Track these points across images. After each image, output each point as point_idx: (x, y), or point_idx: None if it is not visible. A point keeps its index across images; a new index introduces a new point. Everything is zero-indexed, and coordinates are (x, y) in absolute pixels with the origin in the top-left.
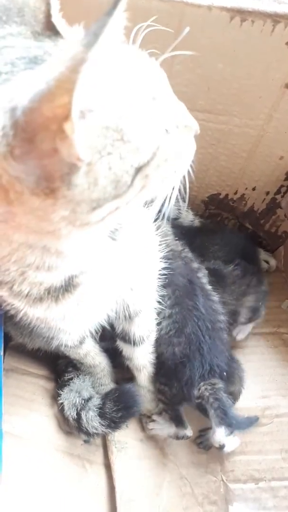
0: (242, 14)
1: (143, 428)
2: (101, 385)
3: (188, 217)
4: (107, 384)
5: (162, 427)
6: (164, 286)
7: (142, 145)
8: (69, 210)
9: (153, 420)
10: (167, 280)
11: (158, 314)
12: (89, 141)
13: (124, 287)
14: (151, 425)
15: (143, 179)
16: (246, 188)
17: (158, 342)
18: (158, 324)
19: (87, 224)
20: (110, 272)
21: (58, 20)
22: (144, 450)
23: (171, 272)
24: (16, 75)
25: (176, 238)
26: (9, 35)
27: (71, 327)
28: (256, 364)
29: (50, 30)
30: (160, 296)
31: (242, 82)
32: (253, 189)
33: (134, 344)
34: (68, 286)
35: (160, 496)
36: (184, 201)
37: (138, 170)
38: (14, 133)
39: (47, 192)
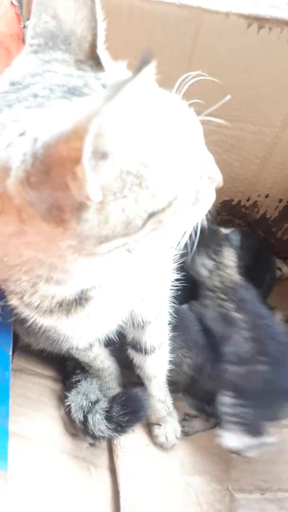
0: (260, 21)
1: (149, 433)
2: (109, 389)
3: None
4: (115, 388)
5: (237, 439)
6: None
7: (160, 193)
8: (76, 241)
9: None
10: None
11: None
12: (105, 182)
13: (137, 298)
14: (224, 438)
15: (156, 223)
16: (259, 195)
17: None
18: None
19: (92, 255)
20: (123, 284)
21: (102, 51)
22: (149, 456)
23: None
24: (52, 101)
25: None
26: (54, 60)
27: (80, 336)
28: None
29: (93, 60)
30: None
31: (258, 88)
32: (266, 196)
33: (145, 353)
34: (80, 299)
35: (164, 502)
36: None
37: (152, 215)
38: (33, 162)
39: (57, 221)
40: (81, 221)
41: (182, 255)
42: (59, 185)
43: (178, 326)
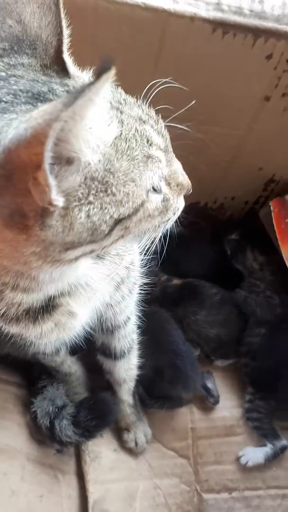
0: (224, 27)
1: (118, 438)
2: (76, 394)
3: None
4: (82, 392)
5: (255, 453)
6: None
7: (126, 200)
8: (40, 248)
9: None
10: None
11: None
12: (69, 188)
13: (105, 303)
14: (243, 459)
15: (122, 230)
16: (226, 198)
17: None
18: None
19: (58, 262)
20: (92, 290)
21: (67, 57)
22: (118, 460)
23: None
24: (16, 107)
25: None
26: (20, 65)
27: (47, 342)
28: (233, 373)
29: (59, 65)
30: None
31: (224, 93)
32: (232, 198)
33: (115, 358)
34: (47, 307)
35: (133, 506)
36: None
37: (118, 221)
38: None
39: (20, 227)
40: (45, 227)
41: (152, 259)
42: (21, 191)
43: (146, 329)
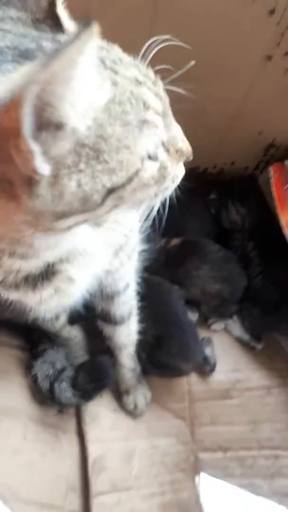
0: None
1: (118, 398)
2: (76, 357)
3: None
4: (82, 356)
5: (236, 328)
6: None
7: (119, 168)
8: (31, 217)
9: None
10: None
11: None
12: (58, 155)
13: (105, 269)
14: (229, 321)
15: (116, 199)
16: (225, 163)
17: None
18: None
19: (51, 230)
20: (90, 256)
21: (61, 11)
22: (117, 420)
23: None
24: (2, 65)
25: None
26: (9, 18)
27: (47, 308)
28: (230, 338)
29: (53, 19)
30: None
31: (223, 53)
32: (232, 163)
33: (115, 323)
34: (47, 274)
35: (132, 464)
36: None
37: (111, 191)
38: None
39: (10, 195)
40: (33, 196)
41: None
42: (5, 158)
43: (147, 299)
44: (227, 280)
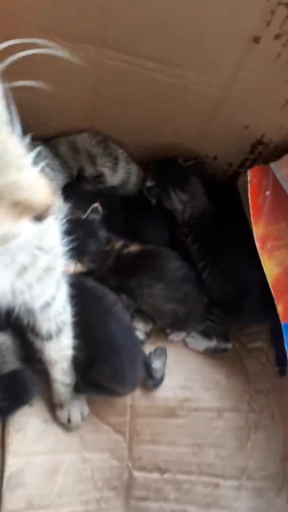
0: None
1: (50, 408)
2: (6, 363)
3: (121, 174)
4: (13, 362)
5: (199, 342)
6: None
7: None
8: None
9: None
10: None
11: None
12: None
13: (22, 283)
14: (188, 340)
15: None
16: (206, 156)
17: None
18: None
19: None
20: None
21: None
22: (45, 431)
23: None
24: None
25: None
26: None
27: None
28: (185, 351)
29: None
30: None
31: (202, 28)
32: (214, 158)
33: (42, 339)
34: None
35: (55, 480)
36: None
37: None
38: None
39: None
40: None
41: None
42: None
43: (80, 312)
44: (182, 302)
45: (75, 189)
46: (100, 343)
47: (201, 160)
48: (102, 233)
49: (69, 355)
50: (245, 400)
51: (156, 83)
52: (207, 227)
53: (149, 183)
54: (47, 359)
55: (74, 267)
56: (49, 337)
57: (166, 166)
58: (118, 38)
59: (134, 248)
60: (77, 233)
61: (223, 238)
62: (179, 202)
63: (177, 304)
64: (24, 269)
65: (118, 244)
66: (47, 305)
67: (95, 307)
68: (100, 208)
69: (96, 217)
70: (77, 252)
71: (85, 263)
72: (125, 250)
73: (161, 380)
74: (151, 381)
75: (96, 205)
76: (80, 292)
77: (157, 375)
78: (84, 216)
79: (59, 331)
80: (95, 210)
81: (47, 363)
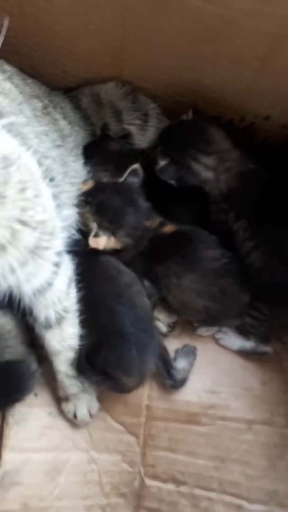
0: None
1: (57, 399)
2: (8, 347)
3: (151, 135)
4: (16, 346)
5: (232, 339)
6: None
7: None
8: None
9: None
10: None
11: None
12: None
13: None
14: (220, 335)
15: None
16: (256, 116)
17: None
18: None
19: None
20: None
21: None
22: (51, 426)
23: None
24: None
25: None
26: None
27: None
28: (215, 348)
29: None
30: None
31: None
32: (266, 118)
33: (42, 326)
34: None
35: (56, 481)
36: None
37: None
38: None
39: None
40: None
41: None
42: None
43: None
44: (217, 299)
45: (98, 148)
46: (106, 329)
47: (250, 120)
48: (143, 202)
49: (74, 345)
50: (281, 413)
51: (196, 16)
52: (253, 197)
53: (161, 162)
54: (49, 349)
55: (105, 241)
56: (49, 325)
57: (174, 131)
58: None
59: (169, 228)
60: (112, 201)
61: (277, 210)
62: (206, 170)
63: (210, 301)
64: (1, 248)
65: (156, 221)
66: (42, 290)
67: (105, 288)
68: (140, 170)
69: (136, 180)
70: (111, 223)
71: (120, 237)
72: (161, 229)
73: (181, 382)
74: (169, 380)
75: (136, 166)
76: (90, 269)
77: (178, 376)
78: (121, 179)
79: (60, 319)
80: (134, 172)
81: (49, 353)
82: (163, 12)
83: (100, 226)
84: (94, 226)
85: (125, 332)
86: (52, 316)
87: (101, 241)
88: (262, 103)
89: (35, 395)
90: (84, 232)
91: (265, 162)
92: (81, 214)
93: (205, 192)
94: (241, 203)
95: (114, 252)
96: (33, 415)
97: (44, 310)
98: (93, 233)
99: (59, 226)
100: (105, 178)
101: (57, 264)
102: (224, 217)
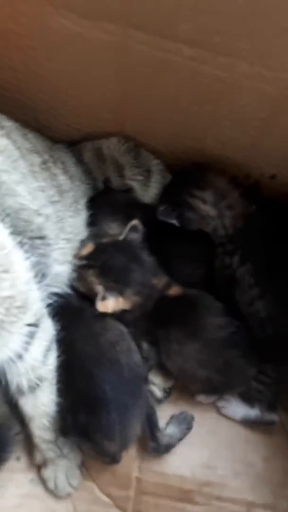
0: None
1: (39, 468)
2: None
3: (153, 190)
4: None
5: (235, 407)
6: None
7: None
8: None
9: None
10: None
11: None
12: None
13: None
14: (221, 403)
15: None
16: (262, 174)
17: None
18: None
19: None
20: None
21: None
22: (30, 495)
23: None
24: None
25: None
26: None
27: None
28: (216, 417)
29: None
30: None
31: (260, 3)
32: (272, 177)
33: (15, 392)
34: None
35: None
36: None
37: None
38: None
39: None
40: None
41: None
42: None
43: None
44: (221, 370)
45: (106, 199)
46: (85, 393)
47: (255, 178)
48: (147, 257)
49: (50, 411)
50: (286, 495)
51: (196, 77)
52: (259, 239)
53: (161, 208)
54: (23, 413)
55: (114, 303)
56: (21, 392)
57: (171, 181)
58: (144, 13)
59: (174, 291)
60: (115, 259)
61: (285, 257)
62: (204, 204)
63: (213, 372)
64: None
65: (163, 281)
66: (11, 362)
67: (85, 349)
68: (139, 225)
69: (137, 236)
70: (117, 282)
71: (128, 296)
72: (166, 291)
73: (166, 448)
74: (152, 442)
75: (134, 222)
76: (72, 325)
77: (163, 440)
78: (121, 237)
79: (33, 387)
80: (134, 228)
81: (24, 417)
82: (163, 72)
83: (106, 288)
84: (100, 289)
85: (104, 398)
86: (25, 385)
87: (109, 304)
88: (267, 161)
89: (18, 458)
90: (75, 288)
91: (273, 217)
92: (84, 280)
93: (211, 240)
94: (247, 246)
95: (121, 314)
96: (13, 481)
97: (16, 378)
98: (100, 297)
99: (33, 297)
100: (115, 228)
101: (30, 335)
102: (228, 261)
